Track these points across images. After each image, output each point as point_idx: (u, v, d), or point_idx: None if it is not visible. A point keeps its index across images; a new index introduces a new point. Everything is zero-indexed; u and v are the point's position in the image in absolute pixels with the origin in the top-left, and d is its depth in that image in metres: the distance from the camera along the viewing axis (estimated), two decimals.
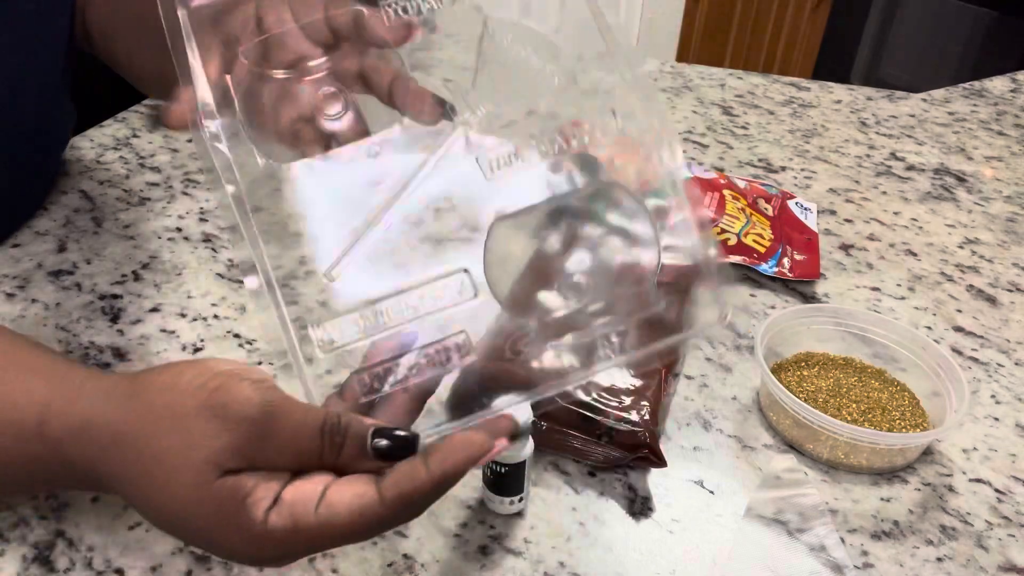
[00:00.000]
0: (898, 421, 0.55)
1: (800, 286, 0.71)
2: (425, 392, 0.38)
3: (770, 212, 0.77)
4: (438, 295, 0.40)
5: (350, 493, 0.33)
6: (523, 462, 0.46)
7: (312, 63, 0.44)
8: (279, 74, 0.44)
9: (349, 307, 0.41)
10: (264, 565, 0.38)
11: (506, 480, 0.46)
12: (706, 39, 2.61)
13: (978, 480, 0.54)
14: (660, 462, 0.50)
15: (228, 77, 0.41)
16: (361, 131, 0.44)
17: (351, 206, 0.42)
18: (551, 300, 0.40)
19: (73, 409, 0.36)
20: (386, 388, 0.38)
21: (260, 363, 0.58)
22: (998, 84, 1.19)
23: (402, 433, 0.35)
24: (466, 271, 0.41)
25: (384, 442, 0.34)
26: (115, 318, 0.61)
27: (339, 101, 0.44)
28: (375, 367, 0.38)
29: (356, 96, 0.44)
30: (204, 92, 0.40)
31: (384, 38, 0.42)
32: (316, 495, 0.33)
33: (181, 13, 0.41)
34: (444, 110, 0.43)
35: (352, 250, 0.43)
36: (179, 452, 0.33)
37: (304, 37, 0.43)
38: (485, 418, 0.36)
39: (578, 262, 0.40)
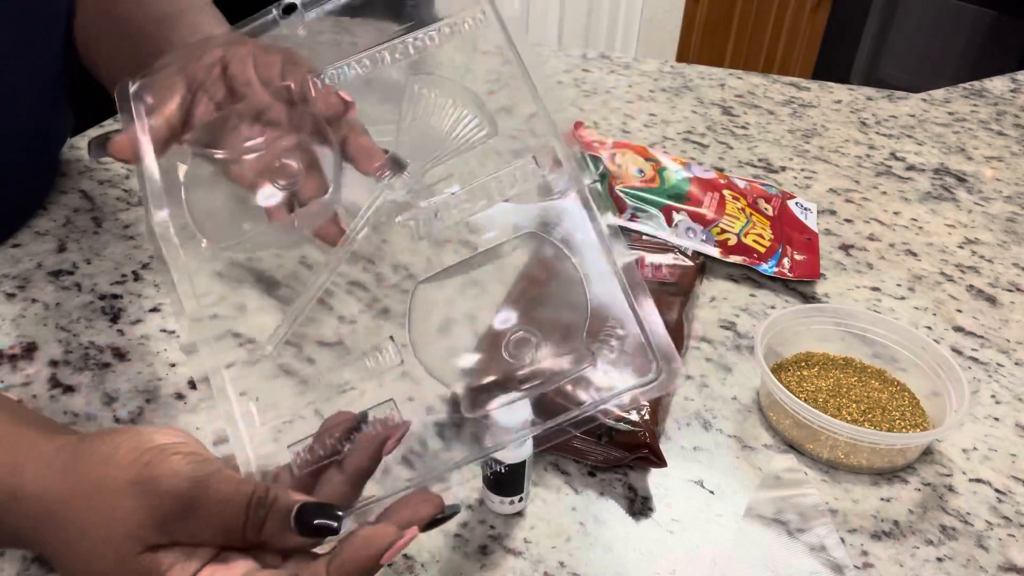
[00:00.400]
0: (898, 421, 0.55)
1: (800, 286, 0.71)
2: (362, 471, 0.38)
3: (770, 212, 0.77)
4: (369, 365, 0.42)
5: None
6: (523, 462, 0.46)
7: (270, 116, 0.45)
8: (239, 138, 0.45)
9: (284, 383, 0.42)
10: None
11: (506, 480, 0.46)
12: (706, 39, 2.61)
13: (978, 480, 0.54)
14: (660, 462, 0.50)
15: (180, 167, 0.44)
16: (321, 187, 0.45)
17: (288, 282, 0.43)
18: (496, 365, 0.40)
19: (10, 480, 0.36)
20: (318, 460, 0.38)
21: (259, 362, 0.58)
22: (998, 84, 1.19)
23: (326, 507, 0.35)
24: (391, 338, 0.42)
25: (306, 518, 0.35)
26: (115, 318, 0.61)
27: (291, 170, 0.45)
28: (307, 440, 0.39)
29: (316, 151, 0.45)
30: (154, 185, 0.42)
31: (322, 112, 0.45)
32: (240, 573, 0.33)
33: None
34: (394, 165, 0.45)
35: (290, 326, 0.45)
36: (103, 527, 0.33)
37: (265, 95, 0.46)
38: (409, 499, 0.37)
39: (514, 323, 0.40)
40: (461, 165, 0.45)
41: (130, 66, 0.51)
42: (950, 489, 0.53)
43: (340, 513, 0.35)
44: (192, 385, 0.56)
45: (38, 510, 0.35)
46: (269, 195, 0.45)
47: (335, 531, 0.35)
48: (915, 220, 0.83)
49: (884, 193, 0.88)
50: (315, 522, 0.35)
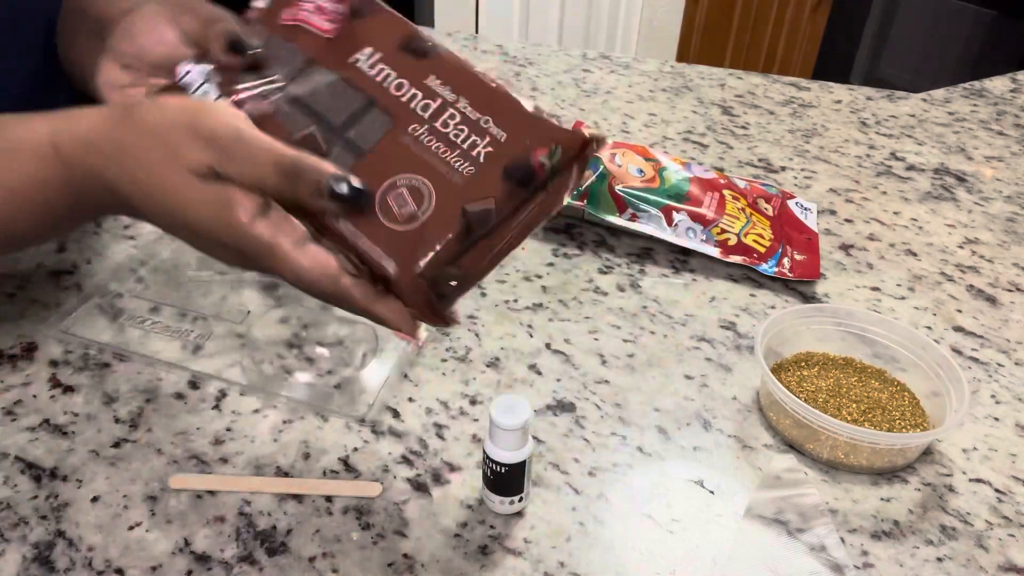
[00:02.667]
0: (898, 421, 0.55)
1: (800, 286, 0.71)
2: None
3: (770, 212, 0.77)
4: None
5: (323, 256, 0.39)
6: (523, 462, 0.46)
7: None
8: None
9: None
10: (229, 262, 0.42)
11: (506, 480, 0.46)
12: (706, 39, 2.61)
13: (978, 480, 0.54)
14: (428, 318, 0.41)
15: None
16: None
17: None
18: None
19: (79, 129, 0.42)
20: None
21: (263, 361, 0.58)
22: (998, 84, 1.19)
23: (356, 184, 0.39)
24: None
25: (342, 187, 0.39)
26: (115, 318, 0.61)
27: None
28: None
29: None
30: None
31: None
32: (299, 233, 0.39)
33: None
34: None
35: None
36: (165, 163, 0.39)
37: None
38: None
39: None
40: None
41: (90, 53, 0.55)
42: (950, 489, 0.53)
43: (366, 189, 0.39)
44: (192, 385, 0.56)
45: (110, 148, 0.41)
46: None
47: (364, 202, 0.39)
48: (915, 220, 0.83)
49: (884, 193, 0.88)
50: (347, 193, 0.39)
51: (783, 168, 0.91)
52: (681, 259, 0.73)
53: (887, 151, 0.97)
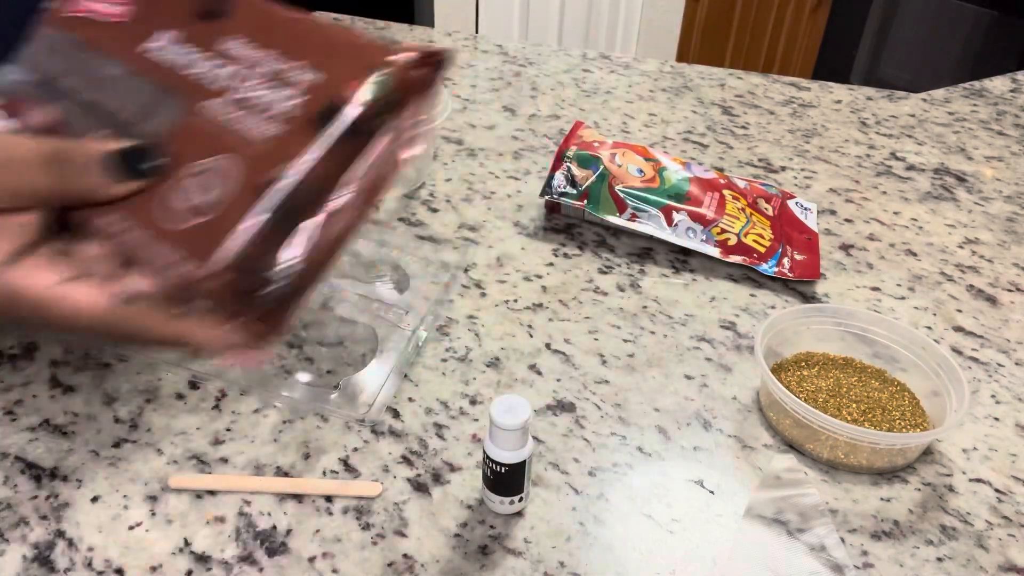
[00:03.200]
0: (898, 421, 0.55)
1: (800, 286, 0.71)
2: None
3: (770, 212, 0.77)
4: None
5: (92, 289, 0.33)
6: (523, 462, 0.46)
7: None
8: None
9: None
10: None
11: (506, 480, 0.46)
12: (706, 39, 2.61)
13: (978, 480, 0.54)
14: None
15: None
16: None
17: None
18: None
19: None
20: None
21: (272, 364, 0.58)
22: (998, 84, 1.19)
23: (139, 149, 0.34)
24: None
25: (122, 149, 0.33)
26: None
27: None
28: None
29: None
30: None
31: None
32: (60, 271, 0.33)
33: None
34: None
35: None
36: None
37: None
38: None
39: None
40: None
41: None
42: (950, 489, 0.53)
43: (151, 145, 0.34)
44: (192, 385, 0.56)
45: None
46: None
47: (153, 161, 0.34)
48: (915, 220, 0.83)
49: (884, 193, 0.88)
50: (132, 151, 0.34)
51: (783, 168, 0.91)
52: (681, 259, 0.73)
53: (887, 151, 0.97)
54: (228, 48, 0.37)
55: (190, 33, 0.38)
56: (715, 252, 0.71)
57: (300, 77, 0.35)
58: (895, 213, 0.84)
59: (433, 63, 0.35)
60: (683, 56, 2.62)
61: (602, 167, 0.75)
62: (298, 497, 0.49)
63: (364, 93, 0.33)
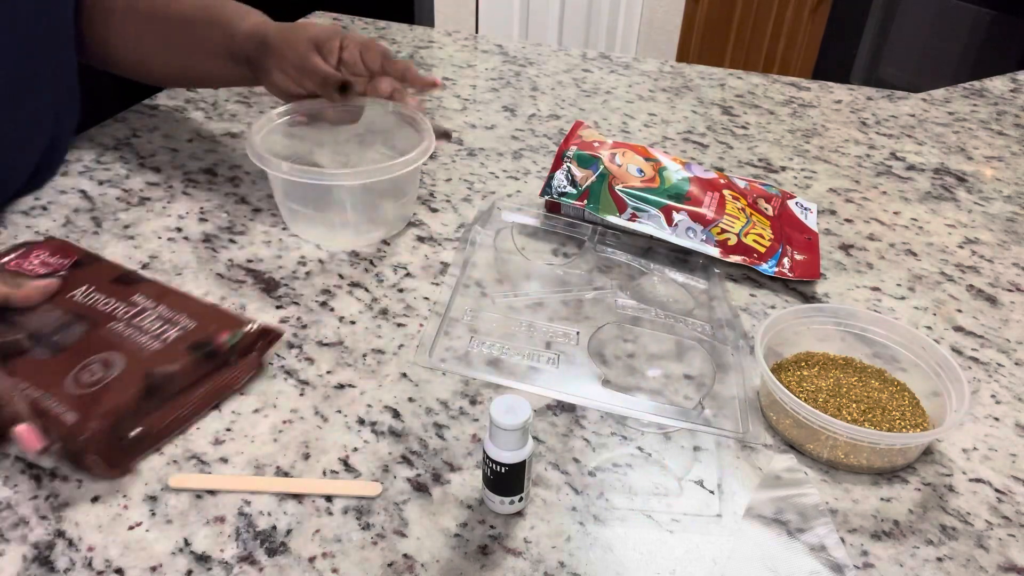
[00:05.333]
0: (898, 421, 0.55)
1: (800, 286, 0.71)
2: None
3: (770, 212, 0.77)
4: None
5: None
6: (523, 462, 0.46)
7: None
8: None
9: None
10: None
11: (506, 480, 0.46)
12: (706, 39, 2.61)
13: (978, 480, 0.54)
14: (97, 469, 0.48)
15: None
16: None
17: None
18: None
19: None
20: None
21: (272, 364, 0.58)
22: (998, 84, 1.19)
23: None
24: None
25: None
26: None
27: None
28: None
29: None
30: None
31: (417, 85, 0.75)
32: None
33: None
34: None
35: None
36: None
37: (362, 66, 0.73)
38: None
39: None
40: None
41: (171, 49, 0.76)
42: (950, 489, 0.53)
43: None
44: None
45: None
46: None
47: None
48: (915, 220, 0.83)
49: (884, 193, 0.88)
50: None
51: (783, 168, 0.91)
52: (681, 259, 0.73)
53: (887, 151, 0.97)
54: (135, 299, 0.57)
55: (108, 289, 0.58)
56: (715, 252, 0.71)
57: (180, 321, 0.55)
58: (895, 213, 0.84)
59: (268, 338, 0.57)
60: (683, 56, 2.62)
61: (602, 167, 0.75)
62: (298, 497, 0.49)
63: (227, 339, 0.55)
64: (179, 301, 0.58)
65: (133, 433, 0.50)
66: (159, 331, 0.54)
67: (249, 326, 0.56)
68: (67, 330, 0.54)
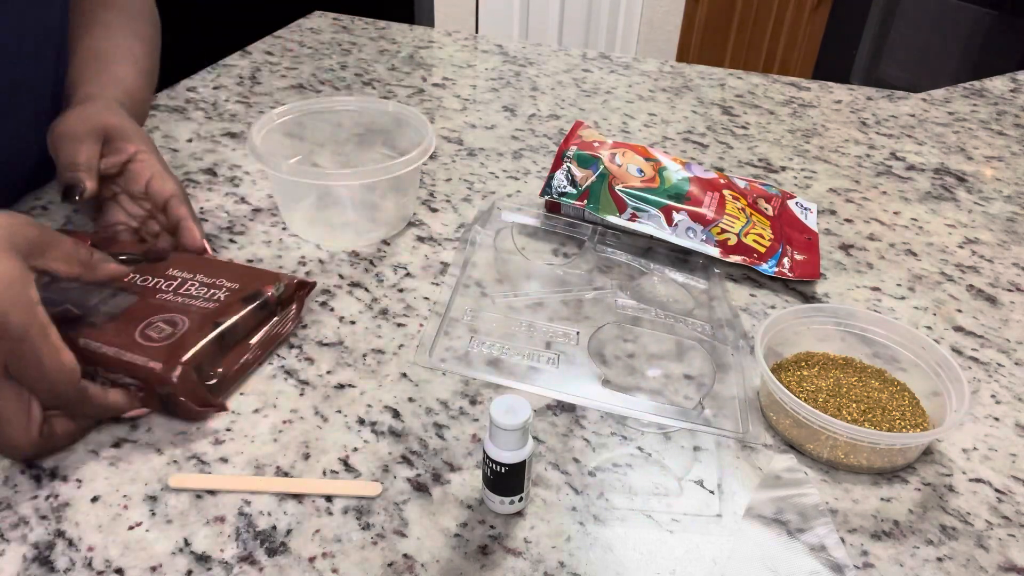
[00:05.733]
0: (898, 421, 0.55)
1: (800, 286, 0.71)
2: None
3: (770, 212, 0.77)
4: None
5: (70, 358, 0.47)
6: (523, 462, 0.46)
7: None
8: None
9: None
10: None
11: (506, 480, 0.46)
12: (706, 39, 2.61)
13: (978, 480, 0.54)
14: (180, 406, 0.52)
15: None
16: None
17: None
18: None
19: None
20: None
21: (272, 365, 0.58)
22: (998, 84, 1.19)
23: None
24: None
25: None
26: None
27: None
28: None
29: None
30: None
31: (183, 243, 0.64)
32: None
33: None
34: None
35: None
36: None
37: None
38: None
39: None
40: None
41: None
42: (950, 489, 0.53)
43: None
44: None
45: None
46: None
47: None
48: (915, 220, 0.83)
49: (884, 193, 0.88)
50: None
51: (783, 168, 0.91)
52: (681, 259, 0.73)
53: (887, 151, 0.97)
54: (171, 273, 0.59)
55: (143, 269, 0.60)
56: (715, 252, 0.71)
57: (225, 285, 0.59)
58: (895, 213, 0.84)
59: (305, 289, 0.63)
60: (683, 56, 2.62)
61: (602, 167, 0.75)
62: (298, 497, 0.49)
63: (272, 291, 0.60)
64: (214, 268, 0.61)
65: (213, 376, 0.54)
66: (207, 295, 0.57)
67: (289, 278, 0.62)
68: (112, 300, 0.55)
